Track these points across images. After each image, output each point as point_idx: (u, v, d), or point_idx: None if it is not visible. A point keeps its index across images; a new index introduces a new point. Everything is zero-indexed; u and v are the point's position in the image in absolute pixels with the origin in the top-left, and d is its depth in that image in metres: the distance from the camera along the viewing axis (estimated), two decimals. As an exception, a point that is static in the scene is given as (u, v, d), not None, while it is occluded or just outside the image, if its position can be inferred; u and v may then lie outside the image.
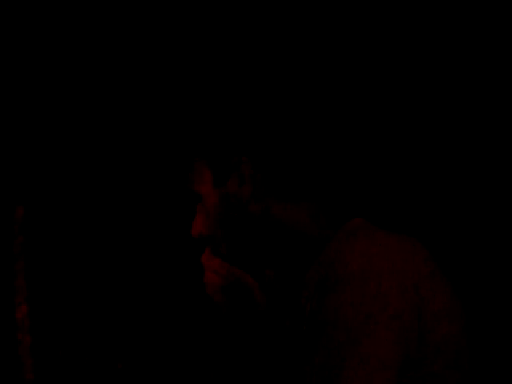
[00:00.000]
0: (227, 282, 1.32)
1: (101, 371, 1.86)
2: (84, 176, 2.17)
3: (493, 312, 2.19)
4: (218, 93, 1.26)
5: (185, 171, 1.41)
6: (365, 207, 1.55)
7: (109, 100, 2.26)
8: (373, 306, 1.09)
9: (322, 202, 1.31)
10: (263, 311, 1.32)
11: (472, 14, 2.12)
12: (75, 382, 1.90)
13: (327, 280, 1.15)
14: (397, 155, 2.11)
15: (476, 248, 2.21)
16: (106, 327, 1.97)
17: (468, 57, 2.15)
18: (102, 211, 2.17)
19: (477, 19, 2.12)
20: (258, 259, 1.33)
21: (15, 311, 1.96)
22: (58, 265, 2.11)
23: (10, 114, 2.15)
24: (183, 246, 2.27)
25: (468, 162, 2.16)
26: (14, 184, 2.04)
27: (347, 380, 1.06)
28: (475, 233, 2.20)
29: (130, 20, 2.20)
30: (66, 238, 2.15)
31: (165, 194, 2.32)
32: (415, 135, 2.15)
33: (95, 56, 2.22)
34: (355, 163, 1.98)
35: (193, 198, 1.42)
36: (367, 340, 1.08)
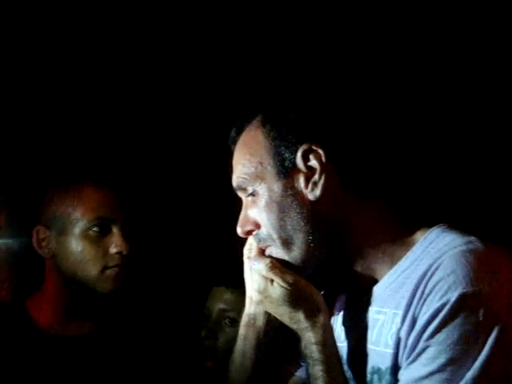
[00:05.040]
0: (290, 293, 1.14)
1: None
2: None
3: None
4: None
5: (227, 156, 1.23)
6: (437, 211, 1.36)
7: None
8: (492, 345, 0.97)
9: (395, 202, 1.14)
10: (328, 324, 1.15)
11: (474, 14, 1.96)
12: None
13: (432, 307, 1.00)
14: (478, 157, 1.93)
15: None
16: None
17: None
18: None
19: (478, 19, 1.96)
20: (319, 263, 1.16)
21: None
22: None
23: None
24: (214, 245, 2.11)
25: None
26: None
27: None
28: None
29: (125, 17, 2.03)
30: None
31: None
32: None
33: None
34: (441, 162, 1.77)
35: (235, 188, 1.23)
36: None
